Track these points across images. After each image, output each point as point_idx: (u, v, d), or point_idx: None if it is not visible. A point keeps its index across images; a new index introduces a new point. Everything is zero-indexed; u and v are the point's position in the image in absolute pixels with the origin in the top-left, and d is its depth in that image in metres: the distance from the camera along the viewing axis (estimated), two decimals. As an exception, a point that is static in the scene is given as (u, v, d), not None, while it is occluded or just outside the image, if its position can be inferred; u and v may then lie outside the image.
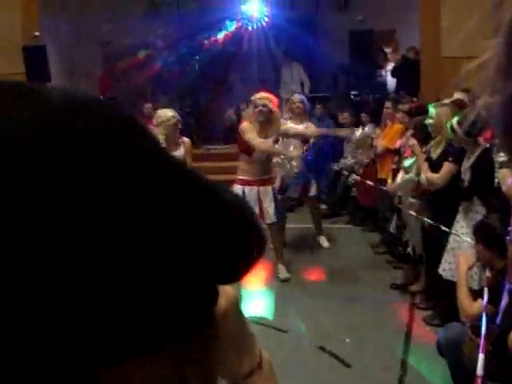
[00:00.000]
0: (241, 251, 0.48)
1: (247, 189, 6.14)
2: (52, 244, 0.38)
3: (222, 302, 0.57)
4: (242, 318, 0.63)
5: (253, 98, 6.28)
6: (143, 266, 0.41)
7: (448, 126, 4.85)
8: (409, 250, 6.12)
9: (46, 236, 0.38)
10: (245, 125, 6.17)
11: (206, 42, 12.90)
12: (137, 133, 0.45)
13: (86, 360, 0.41)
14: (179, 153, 5.86)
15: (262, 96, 6.16)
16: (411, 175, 5.59)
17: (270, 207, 6.20)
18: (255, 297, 6.12)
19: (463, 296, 3.54)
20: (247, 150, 6.12)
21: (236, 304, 0.61)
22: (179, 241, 0.43)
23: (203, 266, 0.45)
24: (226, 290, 0.58)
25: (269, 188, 6.26)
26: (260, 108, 6.03)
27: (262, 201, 6.18)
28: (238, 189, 6.19)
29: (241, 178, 6.24)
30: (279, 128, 6.24)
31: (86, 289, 0.40)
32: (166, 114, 5.87)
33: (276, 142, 6.38)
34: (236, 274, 0.49)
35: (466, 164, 4.74)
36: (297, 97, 7.63)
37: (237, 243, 0.48)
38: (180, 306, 0.44)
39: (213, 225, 0.45)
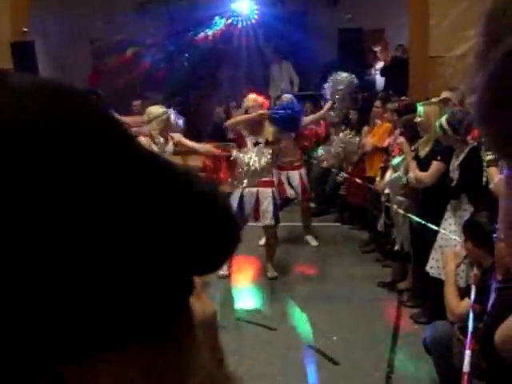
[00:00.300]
0: (213, 242, 0.47)
1: (246, 191, 6.17)
2: (25, 234, 0.38)
3: (200, 311, 0.55)
4: (217, 336, 0.62)
5: (245, 102, 6.34)
6: (111, 256, 0.40)
7: (437, 124, 4.87)
8: (397, 247, 6.15)
9: (19, 227, 0.38)
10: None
11: (195, 39, 12.87)
12: (109, 125, 0.44)
13: (48, 357, 0.40)
14: (168, 148, 5.86)
15: (254, 103, 6.19)
16: (399, 173, 5.61)
17: (268, 209, 6.20)
18: (244, 295, 6.12)
19: (451, 295, 3.56)
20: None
21: (213, 318, 0.60)
22: (149, 231, 0.42)
23: (174, 256, 0.44)
24: (206, 304, 0.57)
25: (268, 190, 6.26)
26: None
27: (260, 202, 6.18)
28: (236, 194, 6.21)
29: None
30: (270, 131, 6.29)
31: (50, 280, 0.39)
32: (158, 110, 5.88)
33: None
34: (210, 265, 0.48)
35: (455, 162, 4.76)
36: (286, 96, 7.67)
37: (209, 234, 0.47)
38: (149, 299, 0.43)
39: (184, 216, 0.44)
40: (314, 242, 7.58)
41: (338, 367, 4.54)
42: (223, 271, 6.38)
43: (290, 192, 7.38)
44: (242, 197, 6.19)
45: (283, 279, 6.40)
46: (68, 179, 0.39)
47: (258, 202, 6.19)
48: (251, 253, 6.85)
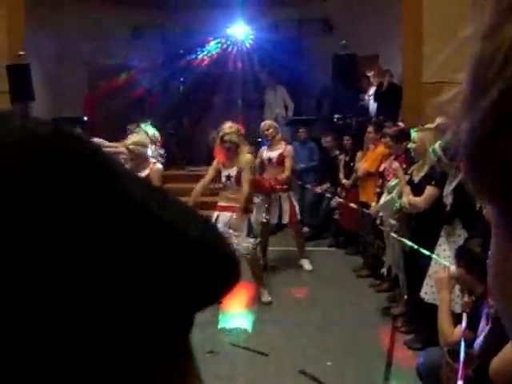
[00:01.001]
0: (211, 283, 0.47)
1: (221, 214, 6.23)
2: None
3: None
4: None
5: (220, 131, 6.35)
6: (108, 302, 0.40)
7: (431, 150, 4.89)
8: (383, 270, 6.15)
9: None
10: (214, 162, 6.52)
11: (190, 63, 12.94)
12: (100, 170, 0.43)
13: None
14: (144, 174, 5.84)
15: (230, 130, 6.22)
16: (393, 195, 5.63)
17: (241, 236, 6.19)
18: (237, 319, 6.08)
19: (444, 322, 3.54)
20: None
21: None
22: (142, 281, 0.41)
23: (171, 298, 0.43)
24: None
25: (244, 217, 6.27)
26: (227, 145, 6.22)
27: (233, 227, 6.19)
28: (214, 215, 6.25)
29: (218, 204, 6.44)
30: (246, 159, 6.33)
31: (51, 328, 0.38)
32: (138, 138, 5.97)
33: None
34: (209, 302, 0.47)
35: (448, 188, 4.77)
36: (266, 123, 7.76)
37: (206, 277, 0.46)
38: (148, 342, 0.42)
39: (178, 264, 0.43)
40: (308, 266, 7.56)
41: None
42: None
43: (272, 220, 7.39)
44: (216, 220, 6.23)
45: (276, 303, 6.37)
46: (53, 235, 0.38)
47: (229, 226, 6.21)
48: (246, 277, 6.83)
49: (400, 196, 5.44)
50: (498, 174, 0.34)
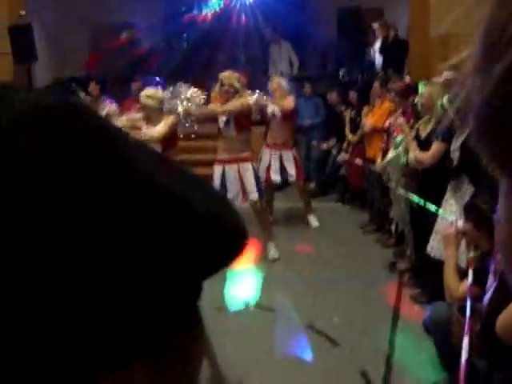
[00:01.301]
0: (218, 253, 0.47)
1: (227, 167, 6.17)
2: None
3: None
4: None
5: (220, 76, 6.27)
6: (115, 274, 0.40)
7: (439, 104, 4.85)
8: (392, 227, 6.17)
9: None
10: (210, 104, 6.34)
11: (192, 20, 12.77)
12: (105, 143, 0.42)
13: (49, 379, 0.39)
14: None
15: (230, 76, 6.16)
16: (399, 151, 5.61)
17: (250, 184, 6.19)
18: (243, 276, 6.13)
19: (451, 278, 3.55)
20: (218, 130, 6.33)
21: None
22: (147, 253, 0.41)
23: (178, 267, 0.43)
24: None
25: (248, 165, 6.25)
26: (226, 88, 6.13)
27: (243, 178, 6.18)
28: (217, 169, 6.22)
29: (219, 158, 6.32)
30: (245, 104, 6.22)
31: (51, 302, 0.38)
32: (157, 94, 5.85)
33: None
34: (215, 271, 0.47)
35: (456, 143, 4.73)
36: (274, 77, 7.67)
37: (213, 247, 0.46)
38: (157, 312, 0.42)
39: (184, 239, 0.43)
40: (315, 223, 7.58)
41: (339, 348, 4.55)
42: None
43: (274, 177, 7.35)
44: (223, 174, 6.21)
45: (283, 260, 6.41)
46: (59, 207, 0.38)
47: (241, 178, 6.20)
48: (253, 234, 6.86)
49: (406, 152, 5.40)
50: (510, 144, 0.34)
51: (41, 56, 10.17)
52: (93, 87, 7.44)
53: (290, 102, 7.31)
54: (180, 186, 0.45)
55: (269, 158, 7.32)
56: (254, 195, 6.22)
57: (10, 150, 0.38)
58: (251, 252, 6.69)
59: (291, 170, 7.34)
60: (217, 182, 6.20)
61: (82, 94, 7.13)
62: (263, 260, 6.42)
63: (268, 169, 7.29)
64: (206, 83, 12.72)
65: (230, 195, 6.20)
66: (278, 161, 7.32)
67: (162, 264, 0.42)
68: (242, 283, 5.91)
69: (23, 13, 9.78)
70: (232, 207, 0.49)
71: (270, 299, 5.45)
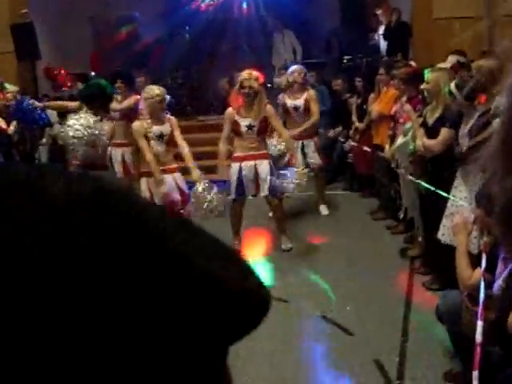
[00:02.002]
0: (246, 323, 0.48)
1: (244, 164, 6.17)
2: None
3: None
4: None
5: (239, 77, 6.28)
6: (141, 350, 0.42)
7: (446, 90, 4.83)
8: (400, 213, 6.17)
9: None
10: (228, 112, 6.31)
11: (194, 11, 12.73)
12: (141, 225, 0.44)
13: None
14: (165, 129, 5.85)
15: (249, 76, 6.13)
16: (407, 138, 5.59)
17: (266, 181, 6.20)
18: (256, 267, 6.14)
19: (463, 266, 3.55)
20: (236, 133, 6.26)
21: None
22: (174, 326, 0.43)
23: (206, 337, 0.45)
24: None
25: (265, 162, 6.25)
26: (246, 91, 6.09)
27: (259, 174, 6.18)
28: (234, 166, 6.21)
29: (236, 155, 6.29)
30: (265, 105, 6.23)
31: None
32: (153, 91, 5.85)
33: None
34: (241, 337, 0.49)
35: (464, 129, 4.70)
36: (298, 68, 7.58)
37: (243, 319, 0.47)
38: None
39: (219, 308, 0.45)
40: (325, 212, 7.60)
41: (352, 337, 4.57)
42: (238, 247, 6.43)
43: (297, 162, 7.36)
44: (240, 171, 6.21)
45: (294, 250, 6.42)
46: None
47: (256, 174, 6.20)
48: (265, 224, 6.87)
49: (414, 139, 5.39)
50: None
51: (44, 53, 10.18)
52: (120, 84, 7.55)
53: (312, 93, 7.40)
54: (214, 263, 0.46)
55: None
56: (267, 191, 6.23)
57: (55, 247, 0.40)
58: (264, 243, 6.73)
59: (314, 158, 7.36)
60: (234, 179, 6.22)
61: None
62: (276, 250, 6.44)
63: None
64: (210, 74, 12.81)
65: (247, 191, 6.24)
66: (300, 149, 7.34)
67: (188, 335, 0.43)
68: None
69: (25, 11, 9.78)
70: (259, 277, 0.50)
71: (283, 290, 5.46)
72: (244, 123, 6.17)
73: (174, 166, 5.94)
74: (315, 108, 7.40)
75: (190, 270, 0.44)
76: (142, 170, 5.96)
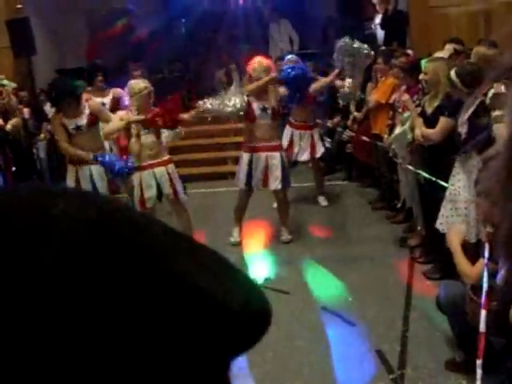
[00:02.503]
0: (248, 339, 0.49)
1: (255, 156, 6.18)
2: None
3: None
4: None
5: (248, 69, 6.29)
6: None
7: (446, 79, 4.83)
8: (398, 203, 6.18)
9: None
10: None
11: (191, 3, 12.69)
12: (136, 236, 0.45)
13: None
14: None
15: (259, 66, 6.14)
16: (405, 127, 5.58)
17: (276, 174, 6.20)
18: (257, 259, 6.16)
19: (462, 264, 3.55)
20: (249, 117, 6.22)
21: None
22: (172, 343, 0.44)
23: (208, 353, 0.46)
24: None
25: (277, 154, 6.24)
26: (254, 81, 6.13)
27: (269, 167, 6.17)
28: (246, 156, 6.21)
29: (249, 145, 6.27)
30: (277, 91, 6.25)
31: None
32: (138, 85, 5.80)
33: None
34: (243, 351, 0.49)
35: (464, 117, 4.69)
36: (291, 58, 7.55)
37: (245, 335, 0.48)
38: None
39: (223, 328, 0.46)
40: (324, 203, 7.61)
41: (354, 327, 4.59)
42: (234, 238, 6.44)
43: (296, 153, 7.39)
44: (250, 162, 6.20)
45: (295, 242, 6.43)
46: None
47: (266, 166, 6.19)
48: (264, 216, 6.88)
49: (412, 128, 5.38)
50: None
51: (40, 48, 10.14)
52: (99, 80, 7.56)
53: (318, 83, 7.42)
54: (214, 283, 0.47)
55: (291, 136, 7.37)
56: (277, 185, 6.24)
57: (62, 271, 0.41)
58: (264, 235, 6.74)
59: (308, 150, 7.38)
60: (244, 168, 6.24)
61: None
62: (276, 242, 6.46)
63: (289, 147, 7.33)
64: (207, 66, 12.77)
65: (253, 181, 6.24)
66: (298, 139, 7.35)
67: (189, 351, 0.44)
68: (256, 266, 5.95)
69: (20, 6, 9.74)
70: (260, 294, 0.51)
71: (284, 281, 5.49)
72: (258, 106, 6.17)
73: (166, 157, 5.88)
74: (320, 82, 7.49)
75: (190, 290, 0.45)
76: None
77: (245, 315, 0.47)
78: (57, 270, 0.40)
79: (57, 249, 0.41)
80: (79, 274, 0.40)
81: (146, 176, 5.69)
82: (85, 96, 6.14)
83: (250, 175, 6.21)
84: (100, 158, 5.71)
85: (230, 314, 0.46)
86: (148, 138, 5.68)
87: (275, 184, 6.23)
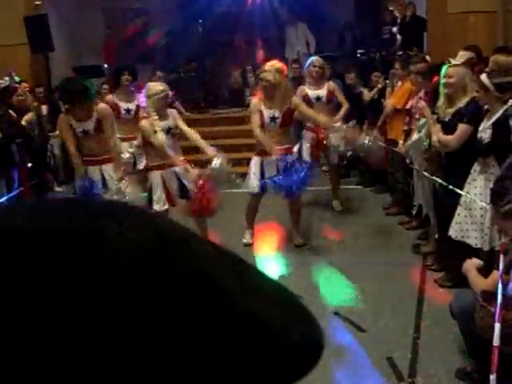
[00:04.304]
0: (302, 371, 0.48)
1: (266, 160, 6.14)
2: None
3: None
4: None
5: (259, 72, 6.30)
6: None
7: (471, 84, 4.79)
8: (414, 211, 6.14)
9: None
10: (253, 102, 6.31)
11: (208, 4, 12.69)
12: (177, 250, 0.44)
13: None
14: (168, 123, 5.80)
15: (268, 68, 6.12)
16: (421, 134, 5.54)
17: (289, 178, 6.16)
18: (269, 262, 6.15)
19: (476, 280, 3.53)
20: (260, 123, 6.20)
21: None
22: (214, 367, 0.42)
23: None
24: None
25: (288, 158, 6.19)
26: (263, 83, 6.12)
27: (280, 171, 6.14)
28: (256, 159, 6.19)
29: (260, 148, 6.24)
30: (288, 97, 6.19)
31: None
32: (156, 87, 5.82)
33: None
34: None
35: (487, 122, 4.63)
36: (317, 60, 7.48)
37: (299, 369, 0.47)
38: None
39: (279, 361, 0.45)
40: (339, 207, 7.57)
41: (365, 334, 4.56)
42: (247, 239, 6.43)
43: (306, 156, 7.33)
44: (262, 165, 6.19)
45: (307, 246, 6.41)
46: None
47: (278, 171, 6.15)
48: (277, 218, 6.85)
49: (428, 136, 5.34)
50: None
51: (58, 45, 10.18)
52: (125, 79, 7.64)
53: (332, 84, 7.43)
54: (269, 312, 0.45)
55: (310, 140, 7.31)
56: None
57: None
58: (277, 238, 6.72)
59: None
60: (255, 171, 6.22)
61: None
62: (289, 245, 6.43)
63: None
64: (223, 67, 12.79)
65: (268, 186, 6.20)
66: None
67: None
68: (268, 269, 5.93)
69: (39, 3, 9.80)
70: (313, 323, 0.49)
71: (296, 285, 5.46)
72: (267, 114, 6.14)
73: (182, 158, 5.92)
74: (342, 97, 7.46)
75: (249, 323, 0.44)
76: (152, 165, 5.91)
77: (294, 347, 0.46)
78: (108, 300, 0.39)
79: (109, 280, 0.40)
80: (132, 312, 0.39)
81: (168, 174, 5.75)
82: (107, 98, 6.20)
83: (263, 179, 6.17)
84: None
85: (280, 343, 0.45)
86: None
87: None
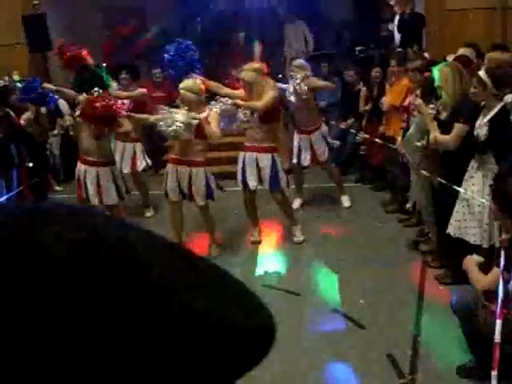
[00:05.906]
0: (253, 359, 0.48)
1: (247, 154, 6.26)
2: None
3: None
4: None
5: (239, 70, 6.51)
6: None
7: (456, 85, 4.79)
8: (408, 206, 6.14)
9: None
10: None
11: (205, 2, 12.68)
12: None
13: None
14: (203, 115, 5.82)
15: (246, 67, 6.27)
16: (411, 131, 5.56)
17: (266, 174, 6.21)
18: (268, 260, 6.15)
19: (476, 275, 3.53)
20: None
21: None
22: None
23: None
24: None
25: (268, 156, 6.23)
26: (242, 82, 6.26)
27: (260, 168, 6.20)
28: (241, 154, 6.32)
29: (245, 144, 6.37)
30: (263, 92, 6.16)
31: None
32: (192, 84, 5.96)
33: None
34: (246, 371, 0.49)
35: (483, 119, 4.63)
36: (297, 61, 7.48)
37: (250, 355, 0.48)
38: None
39: (226, 349, 0.46)
40: (347, 202, 7.57)
41: (364, 331, 4.57)
42: (255, 237, 6.44)
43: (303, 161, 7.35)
44: (243, 160, 6.29)
45: (307, 243, 6.41)
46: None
47: (258, 167, 6.22)
48: (276, 216, 6.85)
49: (419, 132, 5.34)
50: None
51: (56, 44, 10.15)
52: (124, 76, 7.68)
53: (315, 82, 7.32)
54: (216, 304, 0.47)
55: (298, 142, 7.34)
56: (267, 185, 6.24)
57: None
58: (276, 235, 6.72)
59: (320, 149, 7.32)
60: (240, 166, 6.32)
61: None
62: (288, 243, 6.43)
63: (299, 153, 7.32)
64: (222, 66, 12.76)
65: (248, 180, 6.25)
66: (308, 144, 7.30)
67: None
68: (268, 267, 5.94)
69: (37, 2, 9.78)
70: (265, 313, 0.51)
71: (295, 283, 5.47)
72: (245, 111, 6.23)
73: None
74: (321, 82, 7.50)
75: (192, 317, 0.44)
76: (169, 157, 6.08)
77: (244, 335, 0.47)
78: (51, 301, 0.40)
79: (43, 283, 0.40)
80: (76, 305, 0.40)
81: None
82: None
83: (243, 173, 6.28)
84: None
85: (234, 335, 0.46)
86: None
87: (265, 184, 6.26)
